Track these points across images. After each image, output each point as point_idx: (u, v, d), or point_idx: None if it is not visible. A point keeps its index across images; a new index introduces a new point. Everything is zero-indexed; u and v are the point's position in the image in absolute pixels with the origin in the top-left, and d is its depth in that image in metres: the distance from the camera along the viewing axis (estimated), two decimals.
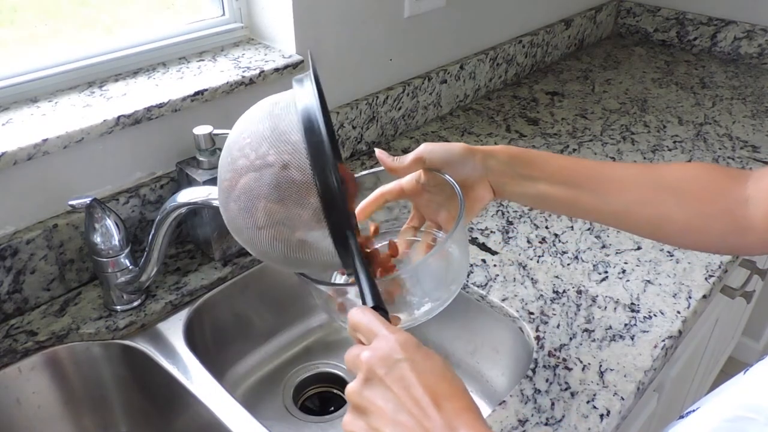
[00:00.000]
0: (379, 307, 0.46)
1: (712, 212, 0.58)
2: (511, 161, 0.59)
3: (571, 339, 0.78)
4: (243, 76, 0.91)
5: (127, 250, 0.78)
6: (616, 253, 0.92)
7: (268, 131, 0.49)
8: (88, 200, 0.73)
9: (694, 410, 0.44)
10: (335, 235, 0.49)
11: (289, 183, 0.48)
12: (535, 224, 0.98)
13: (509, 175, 0.59)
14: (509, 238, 0.95)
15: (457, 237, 0.54)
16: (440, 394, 0.40)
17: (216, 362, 0.90)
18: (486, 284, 0.86)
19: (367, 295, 0.47)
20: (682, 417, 0.45)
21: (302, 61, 0.98)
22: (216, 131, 0.83)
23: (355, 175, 0.62)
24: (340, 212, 0.48)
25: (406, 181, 0.61)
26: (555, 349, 0.76)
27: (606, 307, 0.82)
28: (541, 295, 0.84)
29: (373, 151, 1.18)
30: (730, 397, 0.42)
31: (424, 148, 0.59)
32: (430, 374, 0.41)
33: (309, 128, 0.47)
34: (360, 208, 0.62)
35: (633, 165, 0.62)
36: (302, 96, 0.50)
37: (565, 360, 0.75)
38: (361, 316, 0.45)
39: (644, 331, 0.79)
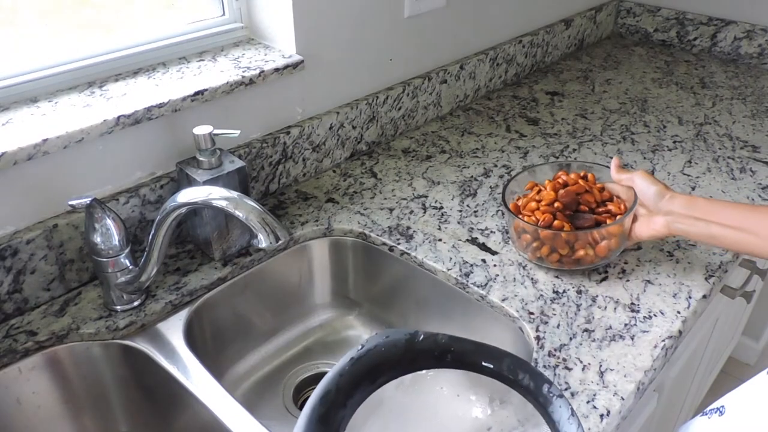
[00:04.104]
0: None
1: None
2: (690, 206, 0.76)
3: (571, 339, 0.78)
4: (243, 76, 0.91)
5: (127, 250, 0.78)
6: None
7: None
8: (88, 200, 0.73)
9: (718, 409, 0.44)
10: None
11: None
12: None
13: (685, 216, 0.76)
14: (509, 238, 0.95)
15: (626, 221, 0.83)
16: None
17: (216, 362, 0.90)
18: (486, 284, 0.86)
19: None
20: (704, 414, 0.45)
21: (302, 61, 0.98)
22: (216, 131, 0.83)
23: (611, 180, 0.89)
24: None
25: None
26: (555, 349, 0.76)
27: (606, 307, 0.82)
28: (541, 295, 0.84)
29: (373, 151, 1.19)
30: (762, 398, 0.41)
31: (636, 179, 0.84)
32: None
33: None
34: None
35: None
36: None
37: (565, 360, 0.75)
38: None
39: (644, 331, 0.79)
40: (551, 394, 0.51)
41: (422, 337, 0.52)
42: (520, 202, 0.90)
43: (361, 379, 0.50)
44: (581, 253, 0.84)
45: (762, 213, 0.74)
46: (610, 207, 0.87)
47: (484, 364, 0.53)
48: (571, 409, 0.50)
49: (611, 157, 1.17)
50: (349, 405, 0.49)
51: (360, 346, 0.52)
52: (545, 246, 0.85)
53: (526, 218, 0.85)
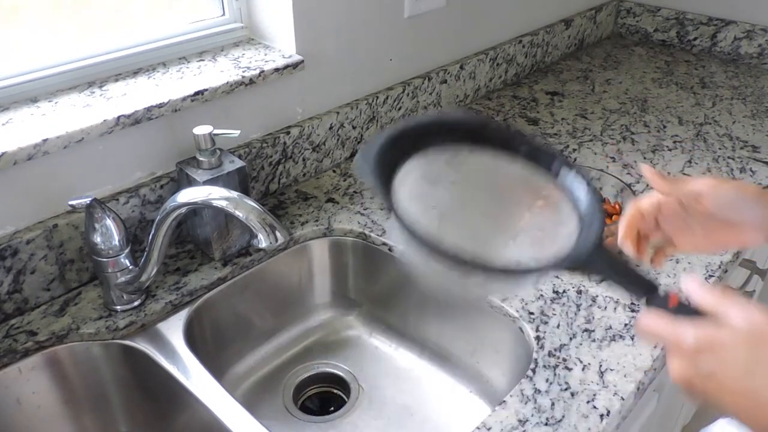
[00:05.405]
0: (654, 294, 0.46)
1: None
2: None
3: (571, 339, 0.78)
4: (243, 76, 0.91)
5: (127, 250, 0.78)
6: None
7: None
8: (88, 200, 0.73)
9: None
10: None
11: None
12: None
13: None
14: None
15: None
16: None
17: (216, 362, 0.90)
18: None
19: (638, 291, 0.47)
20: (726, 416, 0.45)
21: (302, 61, 0.98)
22: (216, 131, 0.83)
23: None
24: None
25: (667, 201, 0.56)
26: (555, 349, 0.76)
27: (606, 307, 0.82)
28: (541, 295, 0.84)
29: None
30: None
31: (709, 186, 0.54)
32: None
33: None
34: (624, 229, 0.57)
35: None
36: None
37: (565, 360, 0.75)
38: (655, 327, 0.44)
39: None
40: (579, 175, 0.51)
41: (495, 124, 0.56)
42: None
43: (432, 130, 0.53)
44: None
45: None
46: (605, 207, 0.90)
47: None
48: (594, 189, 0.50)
49: (612, 158, 1.17)
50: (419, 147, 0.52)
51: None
52: None
53: None
